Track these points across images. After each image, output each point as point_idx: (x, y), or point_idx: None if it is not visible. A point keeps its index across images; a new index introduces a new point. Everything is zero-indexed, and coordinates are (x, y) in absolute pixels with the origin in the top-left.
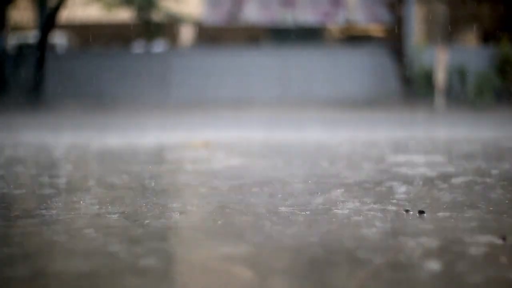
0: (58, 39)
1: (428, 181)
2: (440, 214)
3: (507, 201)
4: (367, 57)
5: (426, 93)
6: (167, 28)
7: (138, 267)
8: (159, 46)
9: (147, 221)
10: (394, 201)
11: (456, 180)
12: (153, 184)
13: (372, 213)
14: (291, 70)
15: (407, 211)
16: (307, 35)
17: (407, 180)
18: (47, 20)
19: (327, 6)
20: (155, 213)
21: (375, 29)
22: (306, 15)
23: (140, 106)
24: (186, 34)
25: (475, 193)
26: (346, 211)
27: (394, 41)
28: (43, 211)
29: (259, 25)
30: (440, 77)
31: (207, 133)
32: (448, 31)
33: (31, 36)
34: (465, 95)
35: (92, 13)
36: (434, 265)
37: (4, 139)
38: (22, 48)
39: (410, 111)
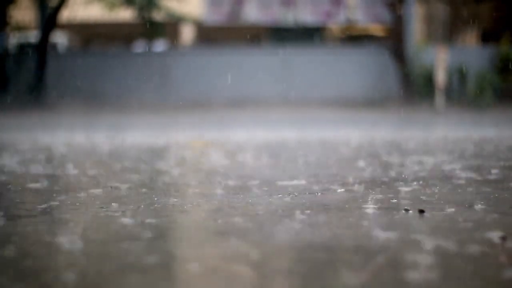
0: (59, 38)
1: (428, 180)
2: (440, 213)
3: (507, 201)
4: (367, 57)
5: (426, 92)
6: (167, 28)
7: (139, 266)
8: (159, 45)
9: (147, 220)
10: (395, 200)
11: (456, 179)
12: (153, 183)
13: (372, 212)
14: (292, 70)
15: (407, 210)
16: (308, 35)
17: (407, 180)
18: (48, 19)
19: (327, 6)
20: (155, 212)
21: (375, 29)
22: (306, 15)
23: (141, 105)
24: (187, 33)
25: (475, 192)
26: (346, 210)
27: (394, 41)
28: (43, 210)
29: (259, 25)
30: (440, 76)
31: (207, 133)
32: (448, 31)
33: (32, 36)
34: (465, 94)
35: (93, 12)
36: (433, 265)
37: (4, 138)
38: (23, 48)
39: (410, 110)
